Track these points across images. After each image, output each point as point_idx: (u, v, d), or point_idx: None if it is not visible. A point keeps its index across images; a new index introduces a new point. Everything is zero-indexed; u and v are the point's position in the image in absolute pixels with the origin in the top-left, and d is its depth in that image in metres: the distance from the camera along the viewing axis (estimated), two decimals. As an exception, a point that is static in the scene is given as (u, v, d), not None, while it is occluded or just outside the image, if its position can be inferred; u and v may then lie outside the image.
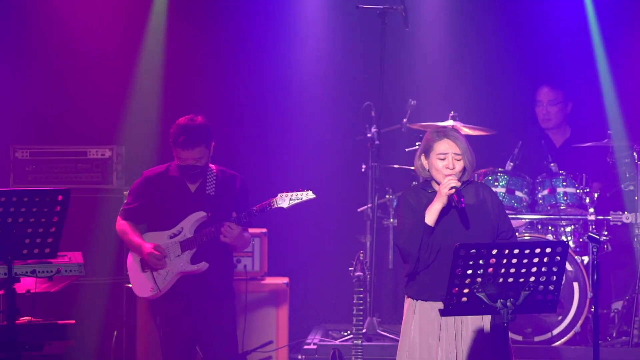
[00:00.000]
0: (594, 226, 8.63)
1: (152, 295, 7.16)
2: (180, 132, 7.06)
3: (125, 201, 7.31)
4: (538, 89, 9.43)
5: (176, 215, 7.16)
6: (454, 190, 5.92)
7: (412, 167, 9.06)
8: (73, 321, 6.92)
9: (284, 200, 7.03)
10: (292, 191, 7.04)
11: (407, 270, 6.10)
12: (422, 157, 6.14)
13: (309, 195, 7.05)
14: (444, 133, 6.10)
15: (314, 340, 8.72)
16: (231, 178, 7.27)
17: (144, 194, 7.22)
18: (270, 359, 8.42)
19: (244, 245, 7.30)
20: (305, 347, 8.57)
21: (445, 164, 6.02)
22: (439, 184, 6.04)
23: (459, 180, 5.99)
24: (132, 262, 7.24)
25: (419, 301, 6.05)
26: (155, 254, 7.09)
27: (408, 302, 6.13)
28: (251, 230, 7.64)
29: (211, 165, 7.21)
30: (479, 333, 5.97)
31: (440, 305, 5.76)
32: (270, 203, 7.03)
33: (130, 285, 7.32)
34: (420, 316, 6.03)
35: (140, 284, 7.20)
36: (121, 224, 7.24)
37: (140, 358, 8.33)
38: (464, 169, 6.05)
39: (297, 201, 7.03)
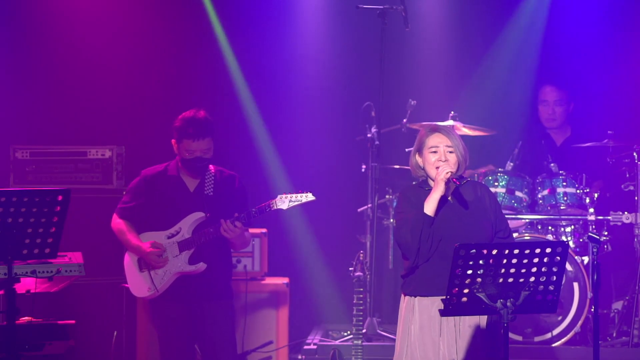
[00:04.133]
0: (594, 226, 8.63)
1: (150, 295, 7.16)
2: (188, 124, 7.06)
3: (123, 199, 7.31)
4: (542, 88, 9.43)
5: (174, 216, 7.15)
6: (449, 174, 5.95)
7: (412, 167, 9.09)
8: (73, 321, 6.92)
9: (284, 202, 7.03)
10: (292, 193, 7.04)
11: (405, 267, 6.10)
12: (417, 155, 6.17)
13: (308, 197, 7.05)
14: (435, 128, 6.16)
15: (314, 341, 8.72)
16: (229, 178, 7.27)
17: (142, 194, 7.21)
18: (270, 359, 8.42)
19: (243, 244, 7.31)
20: (305, 347, 8.57)
21: (437, 157, 6.05)
22: (431, 178, 6.07)
23: (454, 175, 6.02)
24: (129, 261, 7.24)
25: (418, 297, 6.04)
26: (154, 251, 7.09)
27: (406, 300, 6.12)
28: (251, 230, 7.64)
29: (210, 165, 7.21)
30: (476, 329, 5.98)
31: (439, 299, 5.79)
32: (270, 204, 7.03)
33: (127, 285, 7.32)
34: (420, 313, 6.03)
35: (138, 283, 7.20)
36: (117, 223, 7.24)
37: (140, 358, 8.33)
38: (458, 164, 6.07)
39: (296, 203, 7.03)
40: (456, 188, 6.07)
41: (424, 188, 6.13)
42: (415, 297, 6.06)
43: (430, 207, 5.99)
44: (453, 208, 6.08)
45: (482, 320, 5.99)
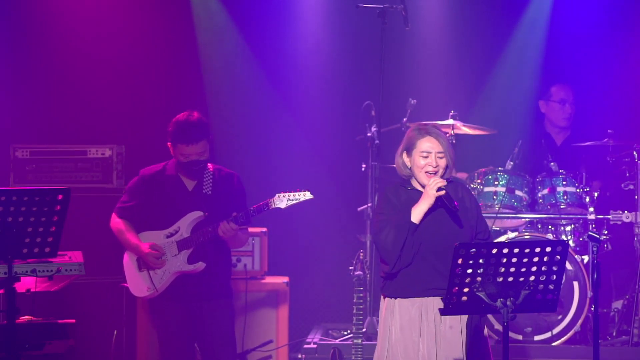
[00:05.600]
0: (594, 225, 8.63)
1: (149, 294, 7.16)
2: (181, 128, 7.05)
3: (121, 199, 7.31)
4: (557, 86, 9.40)
5: (173, 215, 7.15)
6: (443, 192, 5.93)
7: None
8: (73, 320, 6.92)
9: (282, 201, 7.03)
10: (290, 191, 7.04)
11: (384, 270, 6.07)
12: (404, 155, 6.14)
13: (306, 195, 7.05)
14: (426, 131, 6.10)
15: (314, 340, 8.72)
16: (228, 177, 7.26)
17: (141, 193, 7.21)
18: (270, 358, 8.42)
19: (238, 244, 7.31)
20: (305, 346, 8.57)
21: (428, 161, 6.03)
22: (419, 182, 6.04)
23: (442, 177, 6.00)
24: (128, 261, 7.23)
25: (398, 299, 6.03)
26: (153, 253, 7.09)
27: (386, 302, 6.09)
28: (251, 229, 7.63)
29: (208, 164, 7.20)
30: (457, 329, 5.97)
31: (420, 300, 5.85)
32: (268, 203, 7.03)
33: (126, 285, 7.32)
34: (400, 315, 6.01)
35: (137, 283, 7.19)
36: (117, 222, 7.24)
37: (140, 358, 8.33)
38: (446, 167, 6.06)
39: (294, 201, 7.03)
40: (448, 193, 6.00)
41: (406, 187, 6.10)
42: (395, 298, 6.04)
43: (417, 217, 5.96)
44: (433, 212, 6.04)
45: (463, 320, 5.98)
